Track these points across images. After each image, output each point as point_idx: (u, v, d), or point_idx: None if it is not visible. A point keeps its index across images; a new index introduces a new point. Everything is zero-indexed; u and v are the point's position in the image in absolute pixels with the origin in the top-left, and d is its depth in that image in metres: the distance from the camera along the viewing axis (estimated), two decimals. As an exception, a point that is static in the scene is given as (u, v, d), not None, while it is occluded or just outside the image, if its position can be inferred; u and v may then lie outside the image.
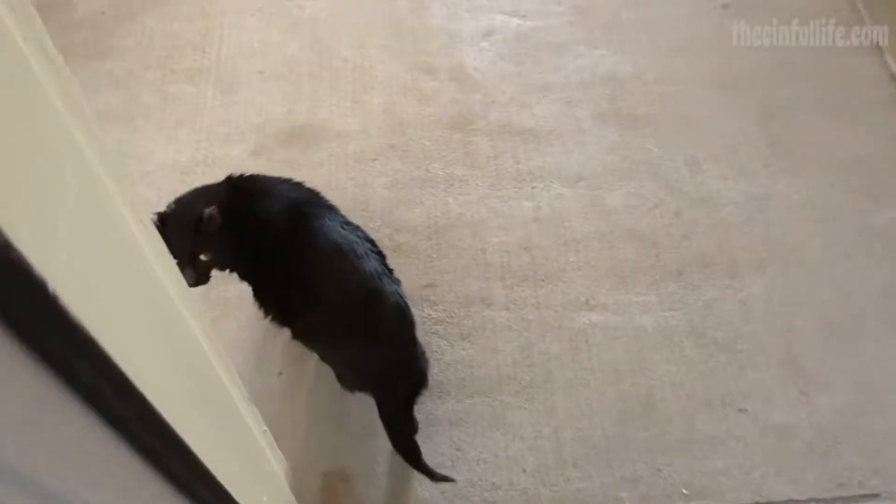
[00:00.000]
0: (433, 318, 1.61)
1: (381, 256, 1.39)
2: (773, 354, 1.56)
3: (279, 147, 1.86)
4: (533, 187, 1.81)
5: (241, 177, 1.42)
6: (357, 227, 1.41)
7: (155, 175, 1.82)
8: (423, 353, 1.43)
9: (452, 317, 1.61)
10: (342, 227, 1.35)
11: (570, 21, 2.14)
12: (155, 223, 1.13)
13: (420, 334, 1.46)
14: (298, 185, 1.44)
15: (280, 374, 1.55)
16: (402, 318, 1.34)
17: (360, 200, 1.77)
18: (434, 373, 1.50)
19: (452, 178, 1.82)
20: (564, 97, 1.98)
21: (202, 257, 1.28)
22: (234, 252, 1.34)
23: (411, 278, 1.63)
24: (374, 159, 1.84)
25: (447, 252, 1.70)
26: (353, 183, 1.80)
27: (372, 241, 1.40)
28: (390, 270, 1.40)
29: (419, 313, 1.57)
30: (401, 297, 1.36)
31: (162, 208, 1.33)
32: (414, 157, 1.85)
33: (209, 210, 1.26)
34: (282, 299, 1.36)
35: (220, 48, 2.08)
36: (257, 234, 1.33)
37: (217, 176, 1.68)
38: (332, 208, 1.42)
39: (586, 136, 1.91)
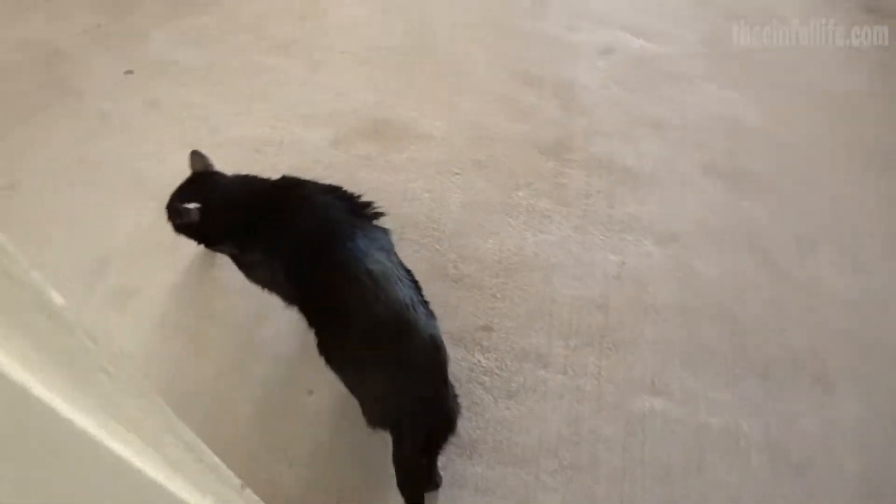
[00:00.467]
0: (482, 366, 1.50)
1: (416, 286, 1.28)
2: (851, 489, 1.38)
3: (360, 140, 1.76)
4: (621, 238, 1.65)
5: (288, 179, 1.38)
6: (392, 252, 1.29)
7: (226, 149, 1.74)
8: (456, 396, 1.32)
9: (503, 369, 1.49)
10: (377, 252, 1.23)
11: (700, 52, 1.94)
12: None
13: (462, 380, 1.36)
14: (343, 197, 1.33)
15: (311, 393, 1.47)
16: (433, 352, 1.23)
17: (433, 217, 1.66)
18: (469, 429, 1.39)
19: (535, 210, 1.68)
20: (676, 138, 1.80)
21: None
22: (261, 256, 1.32)
23: (467, 316, 1.51)
24: (457, 173, 1.72)
25: (512, 294, 1.57)
26: (429, 196, 1.68)
27: (408, 270, 1.29)
28: (426, 302, 1.28)
29: (468, 357, 1.46)
30: (434, 329, 1.24)
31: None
32: (499, 178, 1.71)
33: (187, 206, 1.31)
34: (312, 315, 1.27)
35: (320, 19, 1.97)
36: (288, 244, 1.24)
37: (290, 159, 1.61)
38: (372, 229, 1.31)
39: (690, 187, 1.73)
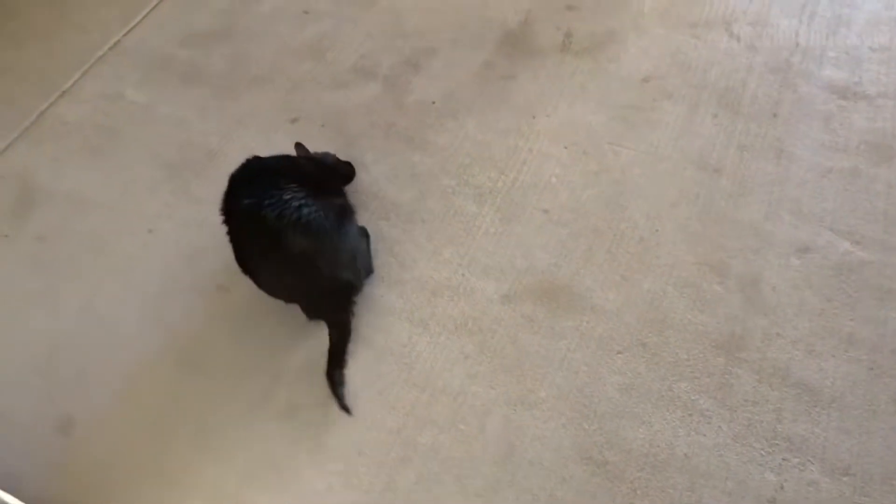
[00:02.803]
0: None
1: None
2: None
3: (529, 300, 1.89)
4: (784, 459, 1.61)
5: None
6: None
7: (407, 287, 1.95)
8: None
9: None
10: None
11: (916, 269, 1.86)
12: None
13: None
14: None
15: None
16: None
17: (585, 393, 1.73)
18: None
19: (695, 408, 1.69)
20: (869, 361, 1.73)
21: None
22: None
23: (602, 505, 1.55)
24: (619, 352, 1.78)
25: (653, 495, 1.59)
26: (585, 370, 1.76)
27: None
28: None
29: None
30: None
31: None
32: (663, 366, 1.76)
33: None
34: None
35: (519, 173, 2.17)
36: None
37: (460, 307, 1.91)
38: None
39: (878, 420, 1.65)
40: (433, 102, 2.43)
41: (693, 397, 1.73)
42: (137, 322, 2.01)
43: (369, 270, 1.99)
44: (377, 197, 2.19)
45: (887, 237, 1.94)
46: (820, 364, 1.75)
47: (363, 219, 2.11)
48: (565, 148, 2.24)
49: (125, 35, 2.84)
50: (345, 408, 1.78)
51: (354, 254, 1.89)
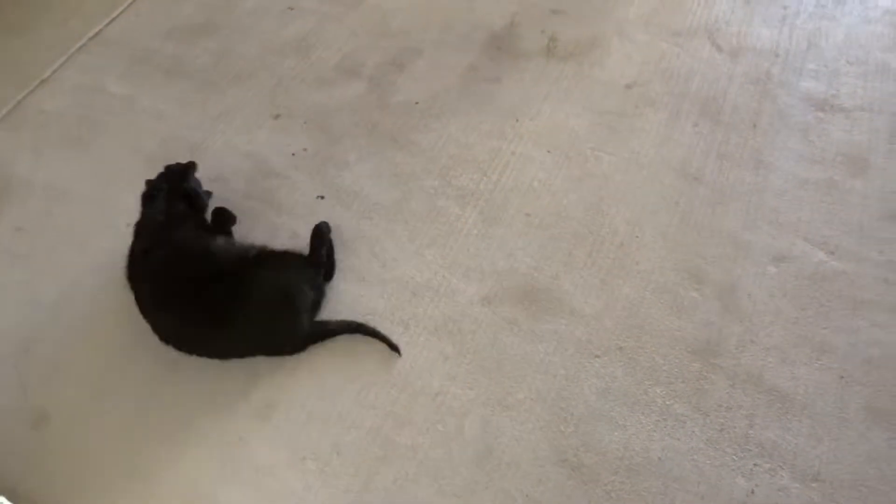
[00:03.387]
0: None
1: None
2: None
3: (509, 302, 1.91)
4: (755, 464, 1.64)
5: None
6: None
7: (388, 287, 1.96)
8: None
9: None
10: None
11: (888, 278, 1.90)
12: None
13: None
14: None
15: None
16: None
17: (563, 395, 1.76)
18: None
19: (669, 412, 1.72)
20: (840, 370, 1.77)
21: None
22: None
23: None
24: (597, 356, 1.81)
25: (627, 498, 1.62)
26: (563, 373, 1.79)
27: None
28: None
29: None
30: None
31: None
32: (639, 370, 1.78)
33: None
34: None
35: (501, 175, 2.19)
36: None
37: (440, 308, 1.91)
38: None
39: (847, 429, 1.69)
40: (417, 103, 2.44)
41: (668, 402, 1.76)
42: (115, 316, 2.00)
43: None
44: (359, 196, 2.19)
45: (861, 248, 1.98)
46: (792, 371, 1.79)
47: (344, 218, 2.11)
48: (548, 152, 2.26)
49: (107, 25, 2.82)
50: (394, 347, 1.85)
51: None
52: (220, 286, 1.76)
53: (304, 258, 1.91)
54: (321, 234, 1.99)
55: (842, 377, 1.78)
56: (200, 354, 1.83)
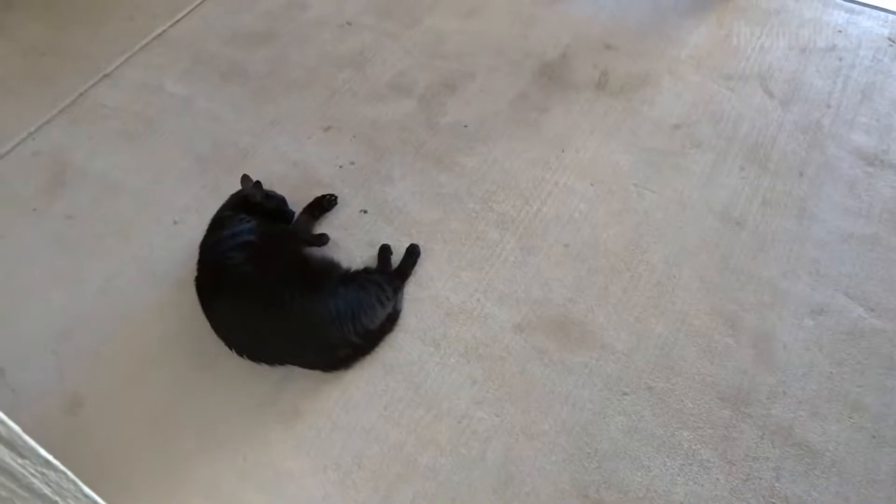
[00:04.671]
0: None
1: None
2: None
3: (542, 332, 1.91)
4: (779, 519, 1.60)
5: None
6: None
7: (422, 305, 1.97)
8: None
9: None
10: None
11: (928, 341, 1.86)
12: None
13: None
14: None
15: None
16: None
17: (588, 430, 1.74)
18: None
19: (695, 457, 1.70)
20: (873, 430, 1.74)
21: None
22: None
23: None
24: (625, 394, 1.79)
25: (645, 539, 1.58)
26: (591, 407, 1.77)
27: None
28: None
29: None
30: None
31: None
32: (667, 412, 1.77)
33: None
34: None
35: (543, 204, 2.19)
36: None
37: (473, 331, 1.92)
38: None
39: (876, 490, 1.66)
40: (465, 126, 2.45)
41: (695, 446, 1.73)
42: (155, 310, 2.03)
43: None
44: (401, 212, 2.21)
45: (898, 306, 1.94)
46: (824, 427, 1.75)
47: (385, 233, 2.13)
48: (591, 185, 2.26)
49: (171, 26, 2.89)
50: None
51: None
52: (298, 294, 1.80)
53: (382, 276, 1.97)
54: (415, 254, 2.07)
55: (874, 437, 1.74)
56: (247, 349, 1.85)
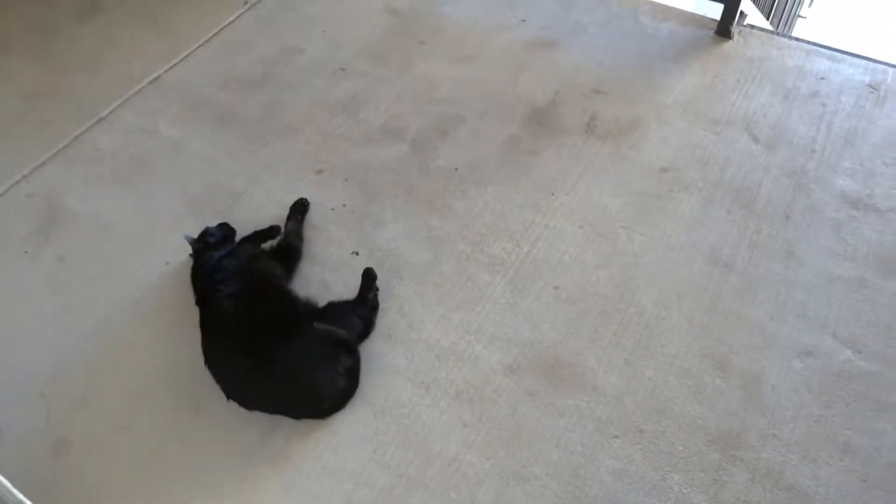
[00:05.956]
0: None
1: None
2: None
3: (532, 374, 1.92)
4: (771, 565, 1.60)
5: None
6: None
7: (413, 347, 1.98)
8: None
9: None
10: None
11: (916, 383, 1.87)
12: None
13: None
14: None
15: None
16: None
17: (579, 474, 1.74)
18: None
19: (686, 501, 1.72)
20: (863, 473, 1.74)
21: None
22: None
23: None
24: (616, 437, 1.80)
25: (637, 585, 1.57)
26: (581, 450, 1.78)
27: None
28: None
29: None
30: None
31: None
32: (657, 455, 1.77)
33: None
34: None
35: (532, 247, 2.21)
36: None
37: (462, 373, 1.93)
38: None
39: (869, 535, 1.64)
40: (456, 169, 2.49)
41: (685, 490, 1.73)
42: (144, 352, 2.04)
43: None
44: (392, 255, 2.23)
45: (888, 350, 1.96)
46: (814, 470, 1.76)
47: (377, 275, 2.14)
48: (580, 227, 2.29)
49: (166, 71, 2.94)
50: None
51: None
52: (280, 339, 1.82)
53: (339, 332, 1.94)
54: (370, 278, 2.07)
55: (864, 480, 1.74)
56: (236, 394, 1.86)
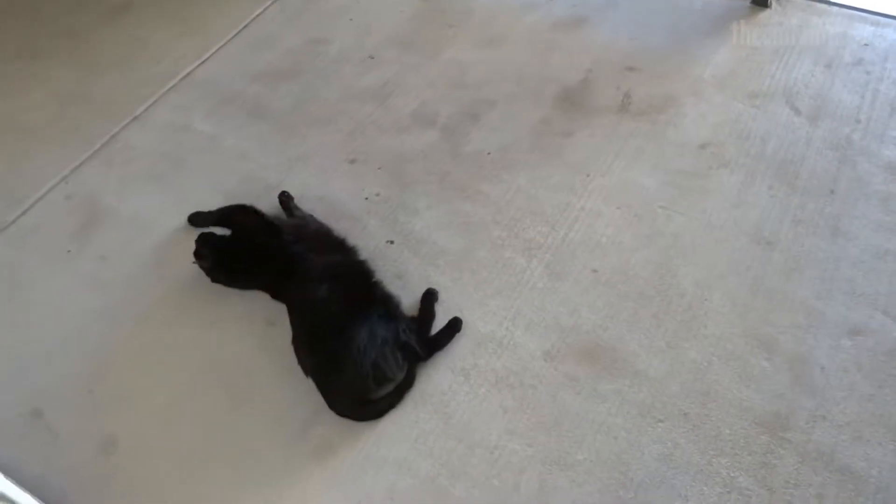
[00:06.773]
0: None
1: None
2: None
3: (572, 359, 1.90)
4: (824, 549, 1.57)
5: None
6: None
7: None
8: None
9: None
10: None
11: (972, 360, 1.81)
12: None
13: None
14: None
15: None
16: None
17: (624, 460, 1.72)
18: None
19: (734, 485, 1.67)
20: (920, 453, 1.68)
21: None
22: None
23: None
24: (660, 421, 1.77)
25: (686, 571, 1.55)
26: (624, 435, 1.76)
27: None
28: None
29: None
30: None
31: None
32: (703, 438, 1.74)
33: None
34: None
35: (569, 230, 2.19)
36: None
37: (503, 361, 1.92)
38: None
39: (926, 516, 1.59)
40: (489, 154, 2.47)
41: (733, 474, 1.71)
42: (188, 347, 2.07)
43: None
44: (427, 243, 2.22)
45: (942, 325, 1.90)
46: (867, 451, 1.72)
47: (412, 264, 2.14)
48: (617, 209, 2.25)
49: (196, 68, 2.96)
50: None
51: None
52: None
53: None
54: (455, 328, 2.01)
55: (922, 462, 1.69)
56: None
